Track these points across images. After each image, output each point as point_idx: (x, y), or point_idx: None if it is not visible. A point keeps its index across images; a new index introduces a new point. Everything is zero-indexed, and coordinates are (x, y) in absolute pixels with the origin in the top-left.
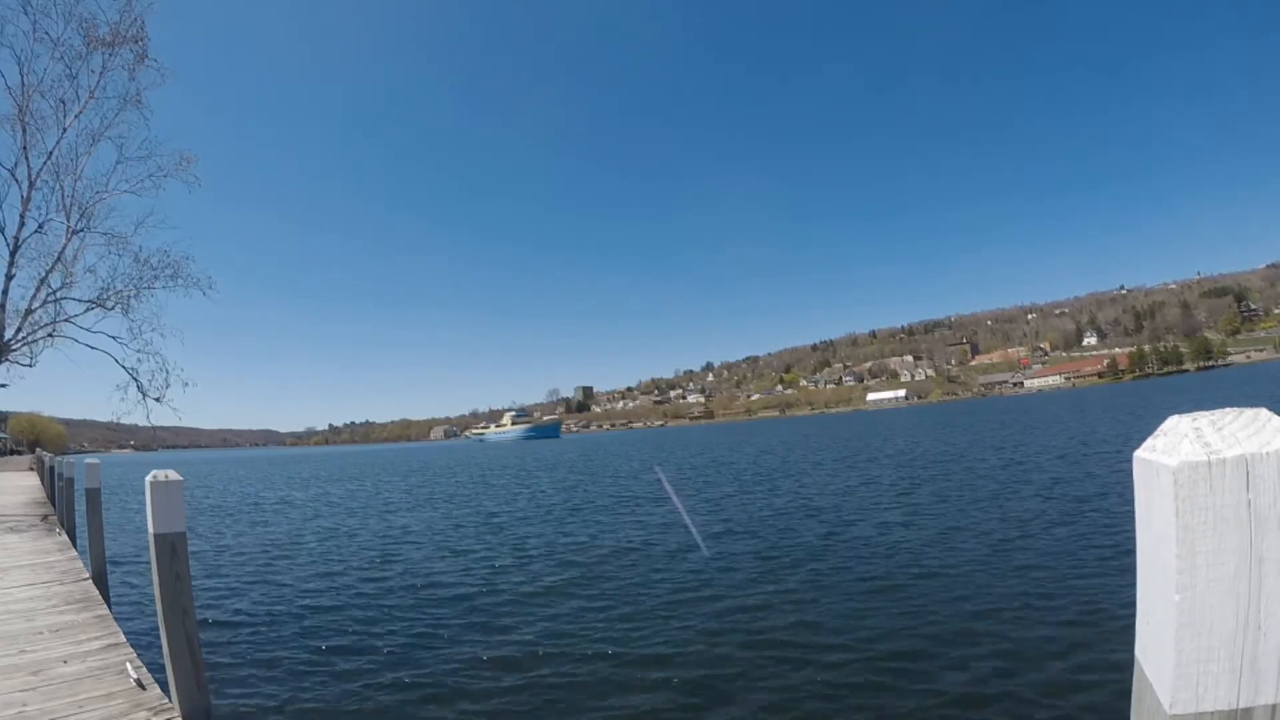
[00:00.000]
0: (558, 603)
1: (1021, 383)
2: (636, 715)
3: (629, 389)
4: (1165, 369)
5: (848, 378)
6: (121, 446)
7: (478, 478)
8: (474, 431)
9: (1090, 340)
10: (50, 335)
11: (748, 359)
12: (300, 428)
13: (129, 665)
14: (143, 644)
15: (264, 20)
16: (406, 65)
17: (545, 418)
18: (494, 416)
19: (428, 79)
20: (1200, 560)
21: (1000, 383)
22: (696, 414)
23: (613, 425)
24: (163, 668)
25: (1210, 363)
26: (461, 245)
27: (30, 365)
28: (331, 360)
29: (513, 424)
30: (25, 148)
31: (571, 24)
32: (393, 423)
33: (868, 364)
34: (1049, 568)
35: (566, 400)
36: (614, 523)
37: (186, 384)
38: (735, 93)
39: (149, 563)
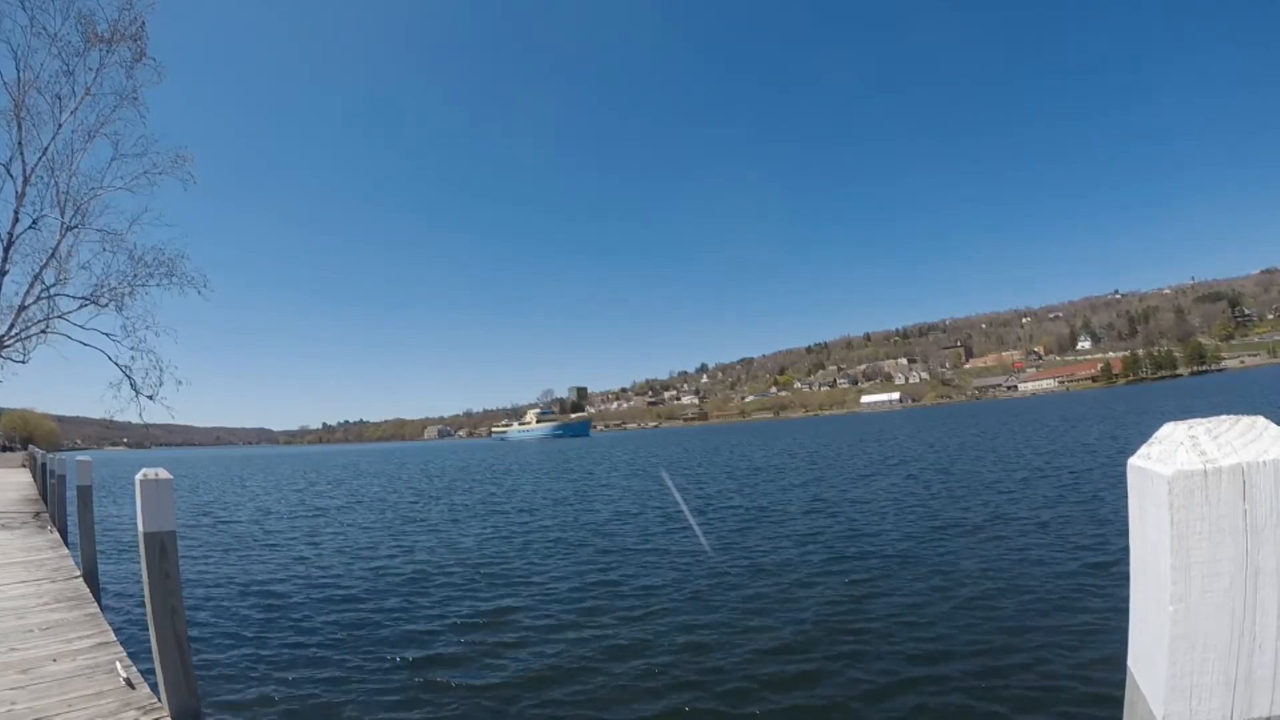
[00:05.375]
0: (557, 598)
1: (1015, 386)
2: (638, 714)
3: (623, 390)
4: (1159, 374)
5: (842, 380)
6: (114, 444)
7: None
8: (496, 429)
9: (1084, 344)
10: (44, 332)
11: (742, 361)
12: (294, 426)
13: (119, 664)
14: (133, 643)
15: (260, 22)
16: (402, 66)
17: (573, 415)
18: (491, 417)
19: (422, 80)
20: (1195, 571)
21: (994, 386)
22: (690, 415)
23: (607, 426)
24: (153, 666)
25: (1204, 368)
26: (456, 245)
27: (23, 361)
28: (325, 359)
29: (538, 421)
30: (21, 143)
31: (565, 25)
32: (386, 422)
33: (862, 366)
34: (1041, 574)
35: (561, 401)
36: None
37: (180, 382)
38: (732, 94)
39: (139, 561)
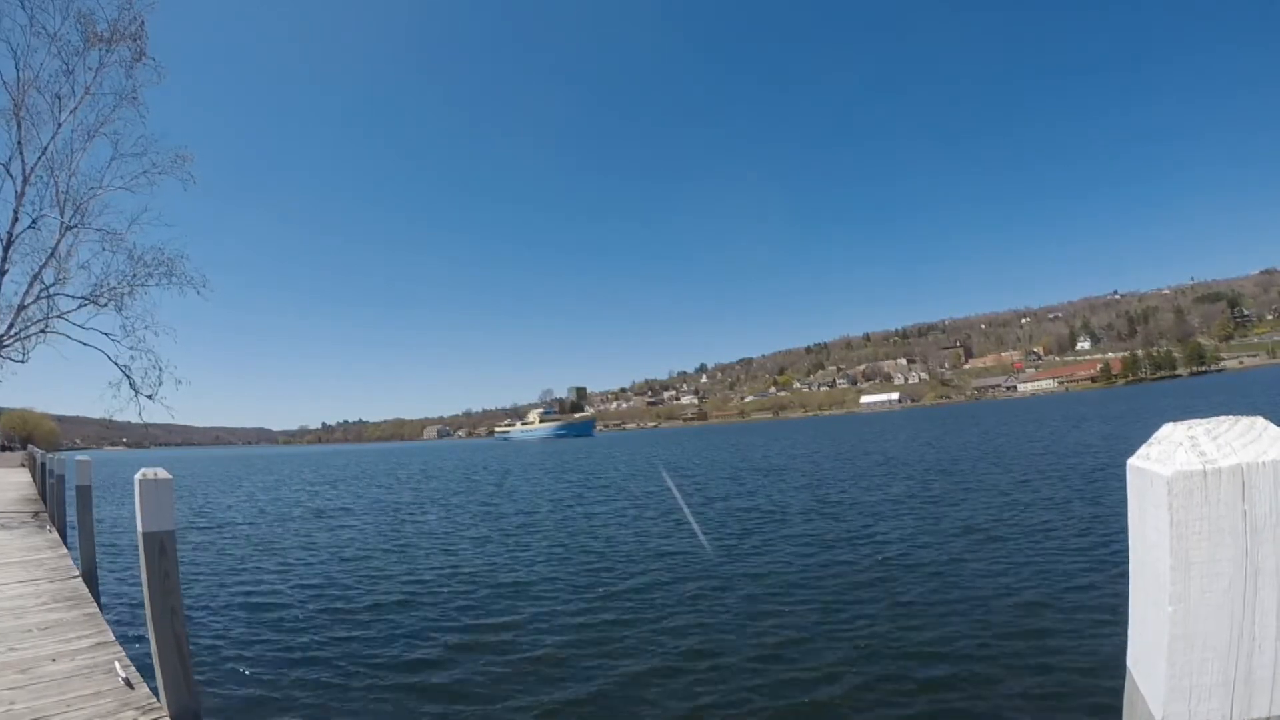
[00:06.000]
0: (556, 597)
1: (1014, 386)
2: (636, 704)
3: (622, 390)
4: (1158, 374)
5: (841, 380)
6: (114, 443)
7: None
8: (499, 429)
9: (1083, 345)
10: (43, 331)
11: (741, 361)
12: (293, 426)
13: (117, 664)
14: (132, 643)
15: (260, 22)
16: (402, 66)
17: (577, 415)
18: (491, 417)
19: (422, 80)
20: (1194, 571)
21: (993, 386)
22: (690, 415)
23: (606, 426)
24: (152, 666)
25: (1203, 368)
26: (456, 245)
27: (23, 361)
28: (325, 359)
29: (541, 421)
30: (20, 142)
31: (565, 25)
32: (386, 422)
33: (861, 367)
34: (1041, 574)
35: (560, 401)
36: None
37: (179, 381)
38: (731, 95)
39: (138, 561)
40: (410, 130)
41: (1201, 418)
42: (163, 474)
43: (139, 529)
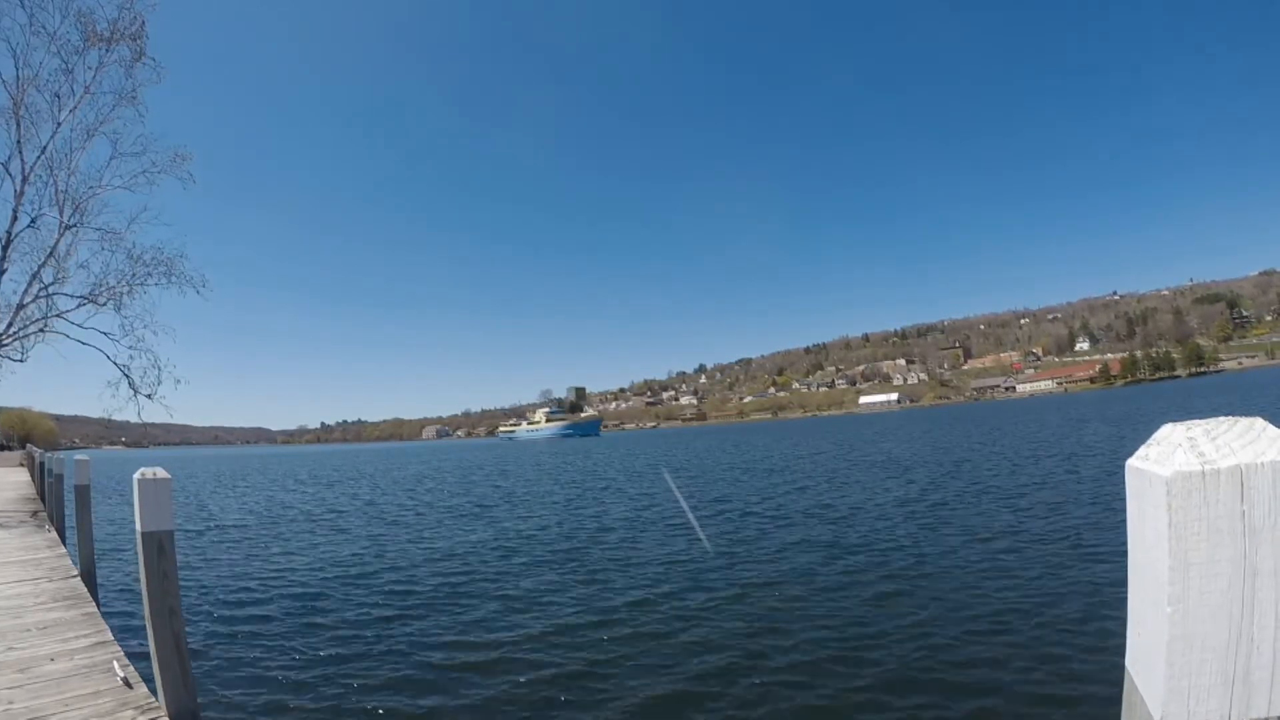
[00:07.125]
0: (556, 596)
1: (1013, 387)
2: (636, 709)
3: (621, 390)
4: (1157, 375)
5: (840, 381)
6: (112, 443)
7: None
8: (503, 428)
9: (1082, 345)
10: (42, 330)
11: (740, 361)
12: (292, 426)
13: (116, 663)
14: (131, 642)
15: (260, 22)
16: (402, 66)
17: (583, 415)
18: (490, 417)
19: (422, 80)
20: (1193, 572)
21: (992, 387)
22: (689, 416)
23: (605, 427)
24: (150, 666)
25: (1202, 369)
26: (455, 246)
27: (22, 360)
28: (324, 359)
29: (547, 420)
30: (20, 141)
31: (565, 25)
32: (385, 421)
33: (860, 367)
34: (1039, 574)
35: (559, 401)
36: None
37: (178, 381)
38: (731, 95)
39: (137, 561)
40: (410, 130)
41: (1200, 418)
42: (161, 473)
43: (138, 528)
